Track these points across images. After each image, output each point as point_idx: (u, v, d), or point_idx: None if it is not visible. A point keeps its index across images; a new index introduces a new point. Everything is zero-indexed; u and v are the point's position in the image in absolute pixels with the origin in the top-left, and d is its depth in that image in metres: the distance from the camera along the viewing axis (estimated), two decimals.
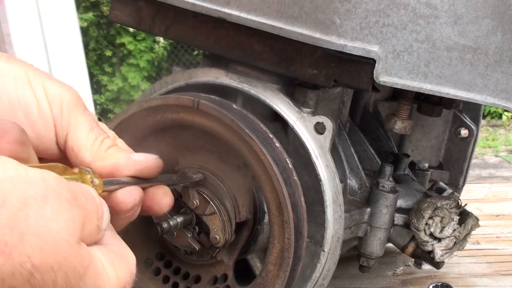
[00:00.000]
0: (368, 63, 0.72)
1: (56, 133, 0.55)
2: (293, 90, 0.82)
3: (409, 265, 1.16)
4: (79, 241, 0.42)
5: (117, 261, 0.47)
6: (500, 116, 6.77)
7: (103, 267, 0.45)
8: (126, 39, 6.85)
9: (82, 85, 4.14)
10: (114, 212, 0.55)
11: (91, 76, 6.23)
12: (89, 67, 5.90)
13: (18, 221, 0.39)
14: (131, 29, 6.79)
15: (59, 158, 0.57)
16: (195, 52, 6.73)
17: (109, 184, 0.53)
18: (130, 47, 6.88)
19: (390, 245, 1.01)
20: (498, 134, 6.58)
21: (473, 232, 0.96)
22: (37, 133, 0.54)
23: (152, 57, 7.05)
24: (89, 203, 0.45)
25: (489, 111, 6.70)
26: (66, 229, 0.41)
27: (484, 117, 6.74)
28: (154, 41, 7.13)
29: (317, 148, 0.78)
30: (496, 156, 5.61)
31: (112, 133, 0.60)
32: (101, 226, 0.47)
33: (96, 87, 6.53)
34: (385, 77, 0.72)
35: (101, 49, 6.97)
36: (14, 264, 0.38)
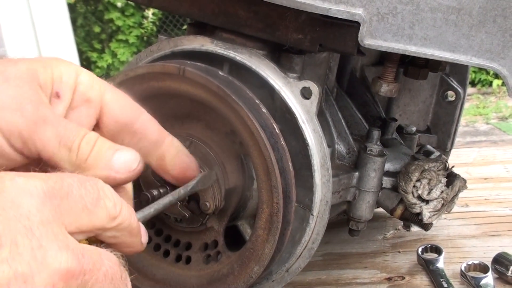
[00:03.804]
0: (353, 26, 0.72)
1: None
2: (279, 56, 0.82)
3: (399, 229, 1.17)
4: None
5: None
6: (490, 84, 6.79)
7: None
8: (114, 15, 6.79)
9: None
10: None
11: (80, 53, 6.20)
12: (77, 44, 5.86)
13: None
14: (119, 4, 6.73)
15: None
16: (184, 27, 6.68)
17: None
18: (119, 23, 6.83)
19: (380, 210, 1.02)
20: (488, 102, 6.60)
21: (462, 195, 0.97)
22: None
23: (141, 33, 7.01)
24: None
25: (480, 79, 6.71)
26: None
27: (474, 85, 6.76)
28: (143, 17, 7.08)
29: (304, 113, 0.78)
30: (487, 123, 5.64)
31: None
32: None
33: (86, 64, 6.49)
34: (370, 40, 0.72)
35: (89, 25, 6.91)
36: None
